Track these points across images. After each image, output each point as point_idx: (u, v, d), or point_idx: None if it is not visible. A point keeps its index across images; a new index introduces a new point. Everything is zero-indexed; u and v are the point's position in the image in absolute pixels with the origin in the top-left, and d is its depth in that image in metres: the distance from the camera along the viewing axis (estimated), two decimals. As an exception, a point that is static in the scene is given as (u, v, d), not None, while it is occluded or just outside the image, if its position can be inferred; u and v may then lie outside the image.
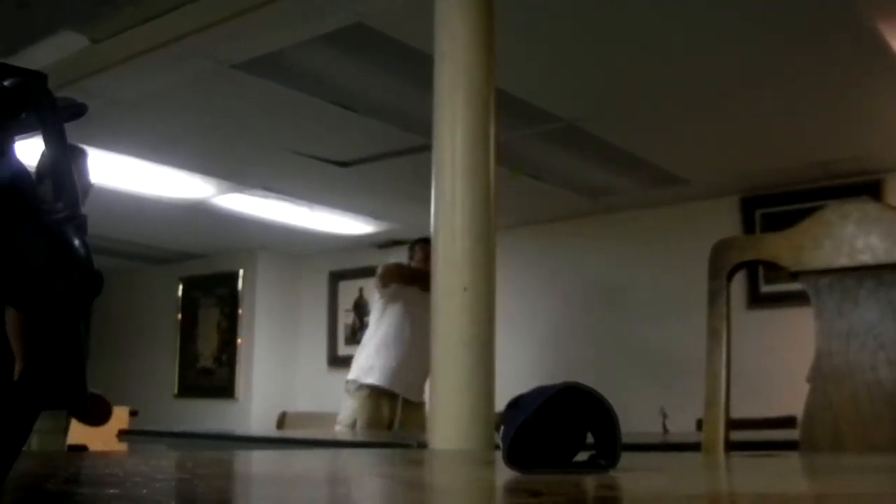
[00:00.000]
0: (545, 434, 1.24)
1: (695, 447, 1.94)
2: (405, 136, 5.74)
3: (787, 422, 4.38)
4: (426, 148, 3.15)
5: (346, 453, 2.40)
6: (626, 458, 1.27)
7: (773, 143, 6.19)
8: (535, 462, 1.20)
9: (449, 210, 2.91)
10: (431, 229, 2.96)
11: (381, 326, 6.16)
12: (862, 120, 5.70)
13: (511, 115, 5.13)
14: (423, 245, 6.11)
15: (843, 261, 1.89)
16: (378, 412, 6.01)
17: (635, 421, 4.67)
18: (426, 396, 6.14)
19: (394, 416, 6.05)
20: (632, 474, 1.24)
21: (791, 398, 1.88)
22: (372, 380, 6.06)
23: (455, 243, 2.88)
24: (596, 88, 5.14)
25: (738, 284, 7.06)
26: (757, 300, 7.11)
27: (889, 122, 5.71)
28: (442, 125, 3.00)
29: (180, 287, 10.29)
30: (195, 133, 5.92)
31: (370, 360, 6.10)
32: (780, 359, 6.26)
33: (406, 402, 6.12)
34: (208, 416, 9.39)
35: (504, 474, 1.21)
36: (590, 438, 1.26)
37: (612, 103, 5.38)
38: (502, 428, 1.23)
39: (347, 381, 6.22)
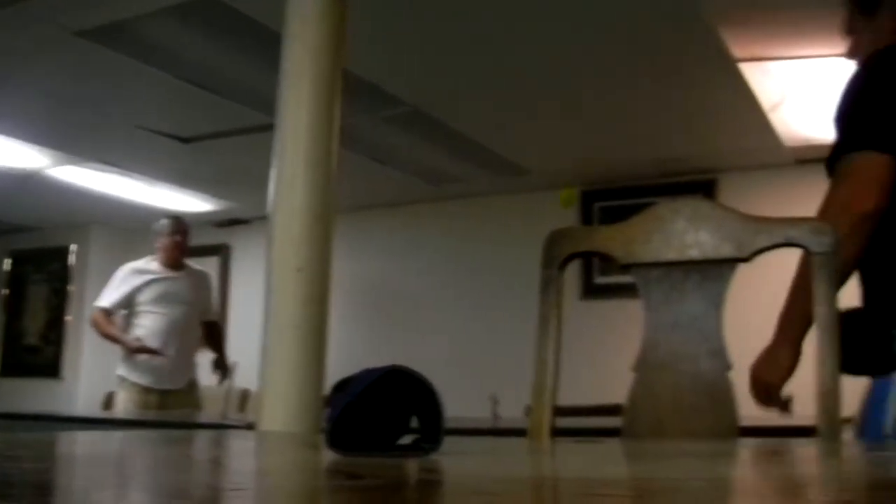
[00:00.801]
0: (370, 417, 1.23)
1: (523, 433, 1.97)
2: (250, 114, 5.64)
3: (615, 410, 4.47)
4: (270, 127, 3.10)
5: (171, 434, 2.35)
6: (452, 443, 1.27)
7: (614, 139, 6.31)
8: (358, 445, 1.19)
9: (288, 190, 2.87)
10: (269, 209, 2.92)
11: (131, 325, 6.11)
12: (700, 120, 5.87)
13: (357, 98, 5.09)
14: (170, 224, 6.18)
15: (673, 255, 1.93)
16: (146, 406, 5.94)
17: (466, 407, 4.71)
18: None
19: (163, 408, 5.98)
20: (454, 458, 1.24)
21: (620, 387, 1.91)
22: (132, 377, 6.01)
23: (292, 224, 2.84)
24: (442, 74, 5.15)
25: (573, 275, 7.19)
26: (590, 291, 7.25)
27: (725, 123, 5.89)
28: (287, 105, 2.96)
29: (8, 261, 9.91)
30: (31, 101, 5.69)
31: (127, 357, 6.03)
32: (611, 348, 6.40)
33: (168, 392, 6.06)
34: (33, 396, 9.08)
35: (327, 457, 1.20)
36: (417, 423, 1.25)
37: (458, 90, 5.40)
38: (327, 410, 1.22)
39: (117, 375, 6.13)
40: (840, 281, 2.04)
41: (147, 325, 5.99)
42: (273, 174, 2.94)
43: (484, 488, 0.93)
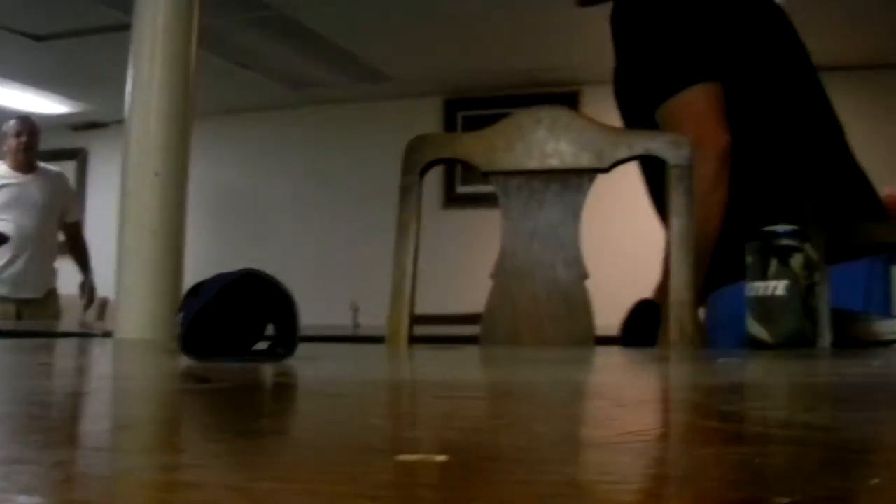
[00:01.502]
0: (224, 322, 1.21)
1: (382, 340, 1.97)
2: (106, 11, 5.43)
3: (476, 318, 4.53)
4: (127, 26, 3.00)
5: (26, 343, 2.29)
6: (308, 349, 1.26)
7: (478, 48, 6.30)
8: (212, 350, 1.18)
9: (145, 93, 2.78)
10: (125, 112, 2.83)
11: None
12: (565, 31, 5.88)
13: (218, 0, 4.95)
14: (16, 125, 5.92)
15: (533, 163, 1.94)
16: (4, 316, 5.74)
17: (329, 315, 4.70)
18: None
19: (21, 318, 5.80)
20: (308, 363, 1.24)
21: (481, 296, 1.93)
22: None
23: (149, 127, 2.76)
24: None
25: (436, 184, 7.21)
26: (452, 200, 7.28)
27: (589, 35, 5.90)
28: (144, 4, 2.86)
29: None
30: None
31: None
32: (473, 258, 6.45)
33: (26, 301, 5.89)
34: None
35: (180, 362, 1.18)
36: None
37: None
38: (180, 315, 1.20)
39: None
40: (720, 217, 2.08)
41: None
42: (129, 76, 2.85)
43: (333, 390, 0.93)
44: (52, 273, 6.04)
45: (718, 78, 2.14)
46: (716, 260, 2.08)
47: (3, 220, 5.69)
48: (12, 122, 5.93)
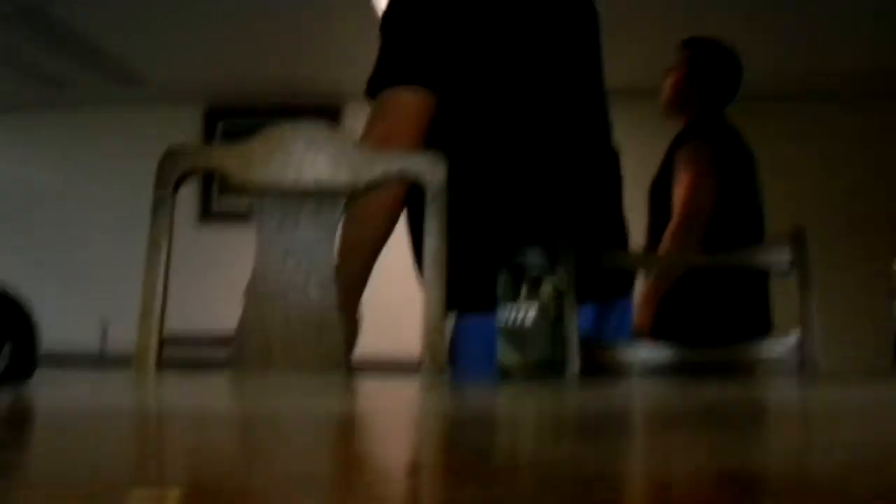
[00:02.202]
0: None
1: (132, 362, 1.89)
2: None
3: (229, 338, 4.44)
4: None
5: None
6: (50, 372, 1.19)
7: (241, 57, 6.21)
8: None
9: None
10: None
11: None
12: (329, 45, 5.88)
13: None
14: None
15: (290, 180, 1.90)
16: None
17: (76, 331, 4.53)
18: None
19: None
20: (48, 388, 1.17)
21: (236, 315, 1.88)
22: None
23: None
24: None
25: (191, 199, 7.05)
26: (208, 215, 7.14)
27: (352, 50, 5.93)
28: None
29: None
30: None
31: None
32: (230, 275, 6.34)
33: None
34: None
35: None
36: None
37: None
38: None
39: None
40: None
41: None
42: None
43: (69, 420, 0.87)
44: None
45: (431, 86, 2.12)
46: (463, 283, 2.08)
47: None
48: None
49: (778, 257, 1.99)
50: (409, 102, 2.11)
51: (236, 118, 7.18)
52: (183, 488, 0.46)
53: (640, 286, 2.77)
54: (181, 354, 3.04)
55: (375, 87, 2.16)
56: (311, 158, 1.91)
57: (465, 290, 2.08)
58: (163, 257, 1.88)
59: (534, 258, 1.46)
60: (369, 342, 2.30)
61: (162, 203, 1.92)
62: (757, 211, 3.58)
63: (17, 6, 5.30)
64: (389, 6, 2.27)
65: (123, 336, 4.67)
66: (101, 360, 3.69)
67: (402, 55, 2.17)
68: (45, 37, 5.88)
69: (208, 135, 7.23)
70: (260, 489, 0.50)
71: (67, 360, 2.05)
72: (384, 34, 2.23)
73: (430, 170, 1.87)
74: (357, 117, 6.90)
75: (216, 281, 6.45)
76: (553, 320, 1.41)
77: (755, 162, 3.63)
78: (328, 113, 6.90)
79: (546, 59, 2.28)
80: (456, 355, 2.16)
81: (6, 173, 7.68)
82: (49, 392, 1.16)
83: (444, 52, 2.17)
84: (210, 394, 1.31)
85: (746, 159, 3.60)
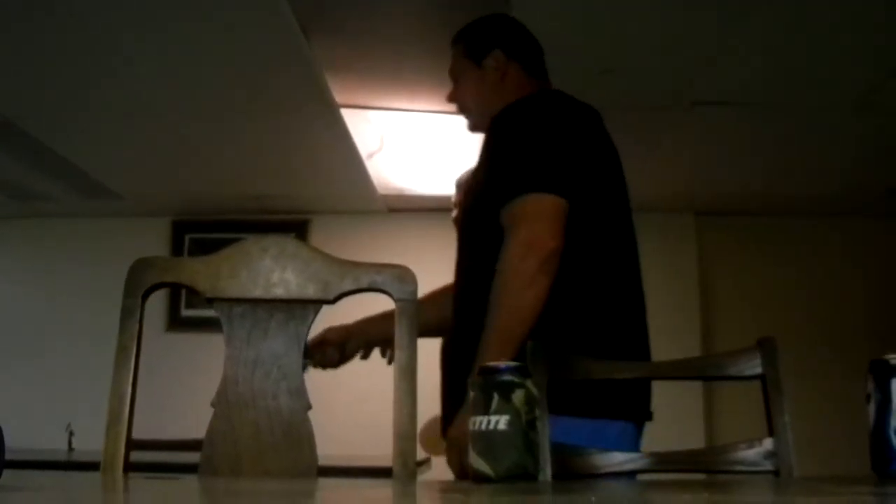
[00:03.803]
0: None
1: (98, 467, 1.88)
2: None
3: (197, 445, 4.39)
4: None
5: None
6: (15, 476, 1.19)
7: (209, 171, 6.24)
8: None
9: None
10: None
11: None
12: (297, 160, 5.92)
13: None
14: None
15: (258, 292, 1.93)
16: None
17: (43, 436, 4.48)
18: None
19: None
20: (12, 493, 1.16)
21: (204, 423, 1.88)
22: None
23: None
24: (36, 86, 4.86)
25: (159, 306, 7.03)
26: (176, 323, 7.10)
27: (322, 166, 5.99)
28: None
29: None
30: None
31: None
32: (197, 383, 6.28)
33: None
34: None
35: None
36: None
37: (52, 105, 5.12)
38: None
39: None
40: (531, 313, 2.18)
41: None
42: None
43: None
44: None
45: (569, 198, 2.28)
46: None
47: None
48: None
49: (748, 366, 2.01)
50: (549, 205, 2.28)
51: (204, 231, 7.19)
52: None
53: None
54: (148, 459, 3.01)
55: (513, 193, 2.27)
56: (279, 272, 1.94)
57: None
58: (131, 364, 1.89)
59: (505, 366, 1.48)
60: (341, 446, 2.30)
61: (130, 311, 1.94)
62: None
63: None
64: (524, 121, 2.45)
65: (90, 441, 4.61)
66: (68, 465, 3.64)
67: (555, 166, 2.34)
68: (14, 149, 5.91)
69: (176, 246, 7.23)
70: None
71: (33, 465, 2.03)
72: (522, 143, 2.39)
73: (399, 286, 1.91)
74: (326, 231, 6.96)
75: (183, 388, 6.38)
76: (525, 427, 1.43)
77: None
78: (296, 227, 6.92)
79: (618, 186, 2.55)
80: None
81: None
82: (18, 497, 1.16)
83: (574, 167, 2.36)
84: (179, 501, 1.31)
85: None
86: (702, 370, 2.40)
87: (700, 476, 2.05)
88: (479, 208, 2.46)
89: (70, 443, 4.66)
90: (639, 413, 2.43)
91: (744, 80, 4.50)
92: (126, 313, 1.93)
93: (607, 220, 2.46)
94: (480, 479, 1.44)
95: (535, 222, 2.26)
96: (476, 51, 2.69)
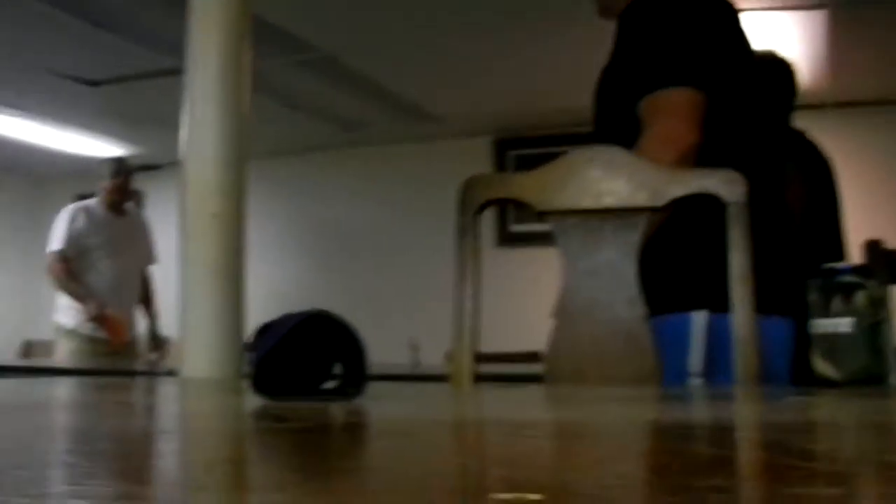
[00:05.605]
0: (294, 361, 1.23)
1: (443, 379, 1.97)
2: (158, 58, 5.52)
3: (535, 357, 4.51)
4: (179, 71, 3.04)
5: (93, 381, 2.32)
6: (374, 388, 1.27)
7: (527, 88, 6.30)
8: (282, 389, 1.19)
9: (200, 136, 2.82)
10: (181, 154, 2.87)
11: (80, 271, 5.77)
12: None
13: (266, 43, 5.01)
14: (113, 165, 5.90)
15: (588, 202, 1.94)
16: (95, 356, 5.68)
17: (386, 353, 4.73)
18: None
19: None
20: (377, 402, 1.25)
21: (538, 335, 1.93)
22: (82, 329, 5.71)
23: (205, 170, 2.79)
24: (353, 19, 5.07)
25: (489, 223, 7.21)
26: (506, 239, 7.27)
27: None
28: (196, 49, 2.89)
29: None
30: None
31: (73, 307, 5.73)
32: (528, 296, 6.44)
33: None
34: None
35: (252, 402, 1.20)
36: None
37: (370, 35, 5.33)
38: (251, 354, 1.21)
39: (57, 323, 5.85)
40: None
41: (96, 276, 5.71)
42: (184, 119, 2.89)
43: (408, 430, 0.93)
44: (135, 317, 6.04)
45: (706, 90, 2.18)
46: (662, 283, 2.08)
47: (103, 259, 5.73)
48: (109, 162, 5.93)
49: None
50: (688, 100, 2.17)
51: (525, 147, 7.29)
52: (537, 494, 0.48)
53: None
54: (490, 370, 3.12)
55: (651, 87, 2.21)
56: (607, 181, 1.94)
57: (661, 286, 2.06)
58: (470, 279, 1.96)
59: (844, 267, 1.43)
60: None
61: (465, 229, 2.00)
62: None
63: (314, 55, 5.61)
64: (658, 14, 2.34)
65: (432, 356, 4.84)
66: (414, 377, 3.83)
67: (691, 59, 2.23)
68: (338, 82, 6.19)
69: (499, 164, 7.37)
70: (605, 493, 0.52)
71: (381, 378, 2.14)
72: (656, 37, 2.29)
73: (730, 189, 1.87)
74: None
75: (515, 301, 6.57)
76: (869, 329, 1.38)
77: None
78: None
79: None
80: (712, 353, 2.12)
81: (314, 211, 8.13)
82: (381, 406, 1.24)
83: (707, 59, 2.25)
84: (531, 406, 1.36)
85: None
86: None
87: None
88: (615, 104, 2.37)
89: (415, 357, 4.90)
90: None
91: None
92: (461, 230, 2.00)
93: (743, 114, 2.32)
94: (825, 382, 1.40)
95: (673, 117, 2.15)
96: None
